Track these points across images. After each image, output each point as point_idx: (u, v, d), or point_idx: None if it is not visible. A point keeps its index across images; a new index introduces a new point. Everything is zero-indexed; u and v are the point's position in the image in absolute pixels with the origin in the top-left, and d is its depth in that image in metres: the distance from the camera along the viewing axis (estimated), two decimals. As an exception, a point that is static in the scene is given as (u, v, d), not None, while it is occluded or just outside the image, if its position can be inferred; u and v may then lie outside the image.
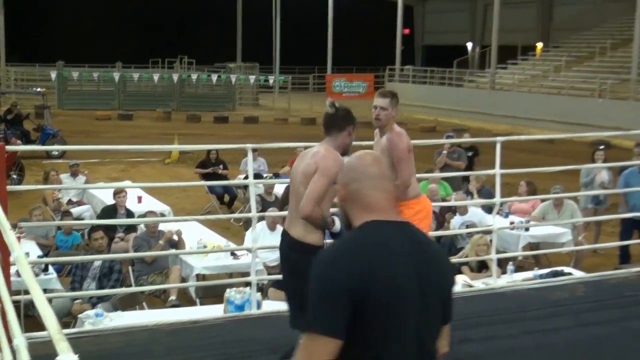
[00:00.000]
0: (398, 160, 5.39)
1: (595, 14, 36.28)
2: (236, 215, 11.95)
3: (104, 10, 44.66)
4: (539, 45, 39.34)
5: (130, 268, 8.79)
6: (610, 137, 19.06)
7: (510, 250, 9.57)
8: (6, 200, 4.90)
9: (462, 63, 40.94)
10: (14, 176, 14.80)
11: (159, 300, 8.37)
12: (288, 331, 4.67)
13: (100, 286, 7.92)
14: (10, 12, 38.78)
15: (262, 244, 8.44)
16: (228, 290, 6.39)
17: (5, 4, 36.29)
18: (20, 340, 2.08)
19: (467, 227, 9.51)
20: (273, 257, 9.22)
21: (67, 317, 7.42)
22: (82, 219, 11.26)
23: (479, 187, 11.46)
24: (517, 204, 11.12)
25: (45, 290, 7.40)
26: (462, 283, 7.60)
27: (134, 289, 7.93)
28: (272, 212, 9.37)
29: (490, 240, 7.62)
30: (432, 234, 7.53)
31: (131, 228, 10.27)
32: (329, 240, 4.83)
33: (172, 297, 8.06)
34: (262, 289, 7.24)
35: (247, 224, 10.08)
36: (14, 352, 2.17)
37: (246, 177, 7.52)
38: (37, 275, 7.50)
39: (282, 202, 11.15)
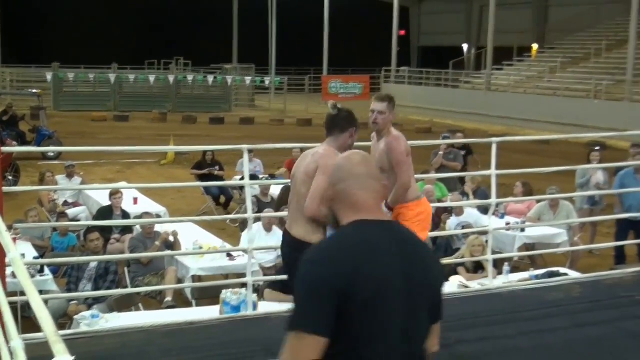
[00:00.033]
0: (397, 164, 5.42)
1: (591, 16, 36.36)
2: (232, 216, 11.94)
3: (100, 12, 44.59)
4: (535, 46, 39.38)
5: (126, 269, 8.78)
6: (606, 138, 19.13)
7: (506, 251, 9.59)
8: (2, 202, 4.90)
9: (458, 64, 41.00)
10: (10, 177, 14.77)
11: (154, 301, 8.37)
12: (285, 332, 4.66)
13: (96, 287, 7.91)
14: (6, 13, 38.76)
15: (258, 245, 8.45)
16: (224, 291, 6.38)
17: (1, 5, 36.23)
18: (18, 342, 2.07)
19: (463, 227, 9.53)
20: (269, 258, 9.23)
21: (62, 319, 7.41)
22: (78, 220, 11.25)
23: (474, 188, 11.48)
24: (513, 204, 11.13)
25: (41, 292, 7.37)
26: (458, 284, 7.61)
27: (129, 290, 7.92)
28: (268, 213, 9.38)
29: (486, 241, 7.63)
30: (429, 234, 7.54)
31: (127, 229, 10.28)
32: None
33: (168, 298, 8.05)
34: (258, 290, 7.24)
35: (243, 225, 10.08)
36: (11, 353, 2.16)
37: (242, 178, 7.52)
38: (32, 276, 7.48)
39: (278, 203, 11.15)
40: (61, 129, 22.10)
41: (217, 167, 14.16)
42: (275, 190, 12.09)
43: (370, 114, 5.55)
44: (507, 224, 10.14)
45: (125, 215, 10.53)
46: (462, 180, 12.09)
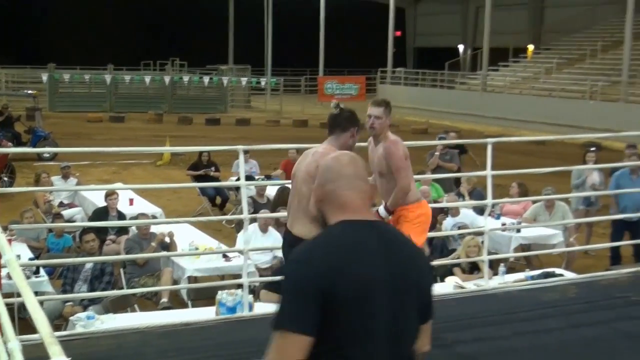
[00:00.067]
0: (397, 168, 5.45)
1: (586, 17, 36.43)
2: (228, 217, 11.94)
3: (96, 13, 44.52)
4: (530, 47, 39.45)
5: (121, 270, 8.78)
6: (601, 138, 19.14)
7: (502, 252, 9.60)
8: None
9: (454, 65, 41.04)
10: (5, 178, 14.76)
11: (150, 302, 8.36)
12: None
13: (91, 288, 7.90)
14: (2, 14, 38.69)
15: (254, 245, 8.44)
16: (220, 292, 6.39)
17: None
18: (15, 343, 2.07)
19: (459, 228, 9.53)
20: (265, 259, 9.23)
21: (58, 320, 7.41)
22: (74, 221, 11.23)
23: (470, 189, 11.48)
24: (508, 205, 11.14)
25: (36, 293, 7.37)
26: (453, 284, 7.62)
27: (125, 291, 7.91)
28: (264, 214, 9.38)
29: (482, 242, 7.64)
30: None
31: (123, 230, 10.27)
32: None
33: (164, 300, 8.04)
34: (254, 291, 7.24)
35: (239, 225, 10.07)
36: (8, 355, 2.16)
37: (238, 179, 7.52)
38: (28, 277, 7.47)
39: (274, 204, 11.15)
40: (57, 129, 22.07)
41: (213, 168, 14.15)
42: (271, 191, 12.09)
43: (367, 119, 5.57)
44: (503, 224, 10.15)
45: (121, 216, 10.52)
46: (457, 181, 12.10)
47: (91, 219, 10.65)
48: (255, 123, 29.93)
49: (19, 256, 7.99)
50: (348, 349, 2.35)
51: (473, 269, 8.30)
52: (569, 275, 7.94)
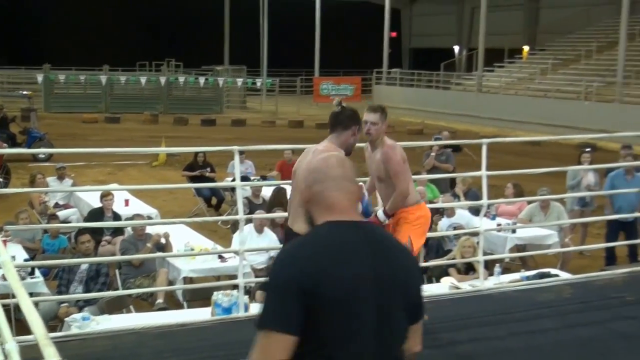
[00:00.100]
0: (395, 173, 5.46)
1: (581, 18, 36.49)
2: (223, 217, 11.93)
3: (91, 14, 44.45)
4: (526, 48, 39.49)
5: (117, 271, 8.77)
6: (596, 139, 19.18)
7: (497, 252, 9.61)
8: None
9: (449, 66, 41.06)
10: (0, 179, 14.73)
11: (146, 303, 8.35)
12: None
13: (87, 289, 7.89)
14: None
15: (250, 246, 8.44)
16: (215, 293, 6.38)
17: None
18: (12, 345, 2.07)
19: (455, 229, 9.54)
20: (260, 259, 9.22)
21: (53, 321, 7.39)
22: (69, 222, 11.21)
23: (465, 190, 11.49)
24: (504, 206, 11.15)
25: (31, 294, 7.34)
26: (449, 285, 7.62)
27: (121, 292, 7.91)
28: (260, 215, 9.38)
29: (477, 242, 7.65)
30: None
31: (118, 231, 10.26)
32: None
33: (160, 300, 8.04)
34: (249, 292, 7.23)
35: (235, 226, 10.07)
36: (6, 356, 2.16)
37: (234, 180, 7.52)
38: (23, 278, 7.46)
39: (270, 205, 11.15)
40: (52, 130, 22.04)
41: (208, 169, 14.14)
42: (267, 192, 12.09)
43: (364, 125, 5.58)
44: (498, 225, 10.17)
45: (117, 217, 10.51)
46: (452, 182, 12.11)
47: (86, 219, 10.64)
48: (251, 124, 29.92)
49: (14, 257, 7.98)
50: (332, 349, 2.36)
51: (469, 269, 8.31)
52: (564, 275, 7.95)
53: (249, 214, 9.47)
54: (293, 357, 2.33)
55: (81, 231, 8.48)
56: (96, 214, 10.49)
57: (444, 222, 10.16)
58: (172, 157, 19.25)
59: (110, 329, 5.95)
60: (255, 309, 6.41)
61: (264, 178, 13.83)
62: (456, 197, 11.32)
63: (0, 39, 39.90)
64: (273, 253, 8.67)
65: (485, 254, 7.71)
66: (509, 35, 39.45)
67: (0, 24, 39.63)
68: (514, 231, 9.99)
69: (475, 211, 9.62)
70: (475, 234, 7.87)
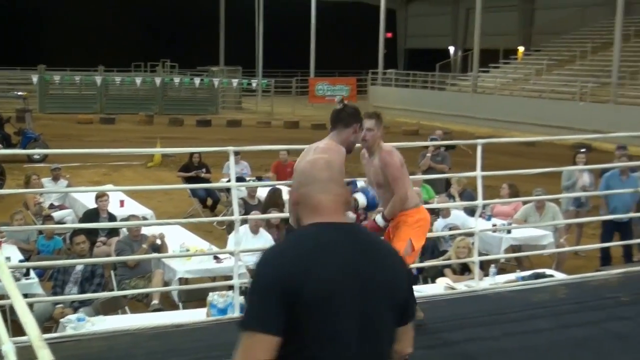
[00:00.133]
0: (394, 179, 5.46)
1: (576, 18, 36.57)
2: (219, 218, 11.92)
3: (86, 14, 44.37)
4: (521, 48, 39.58)
5: (112, 272, 8.75)
6: (591, 139, 19.21)
7: (493, 253, 9.62)
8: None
9: (445, 66, 41.11)
10: (-5, 180, 14.70)
11: (141, 304, 8.34)
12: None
13: (82, 290, 7.88)
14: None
15: (245, 247, 8.42)
16: (211, 293, 6.38)
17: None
18: (9, 346, 2.07)
19: (450, 229, 9.55)
20: (256, 260, 9.21)
21: (48, 322, 7.38)
22: (64, 223, 11.19)
23: (460, 190, 11.51)
24: (499, 206, 11.17)
25: (26, 295, 7.34)
26: (444, 285, 7.63)
27: (116, 293, 7.89)
28: (255, 215, 9.37)
29: (473, 243, 7.65)
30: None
31: (113, 232, 10.24)
32: None
33: (155, 301, 8.03)
34: (245, 293, 7.22)
35: (230, 227, 10.05)
36: (2, 357, 2.16)
37: (229, 181, 7.51)
38: (18, 279, 7.45)
39: (265, 206, 11.15)
40: (47, 131, 22.00)
41: (203, 170, 14.13)
42: (262, 193, 12.08)
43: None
44: (494, 225, 10.17)
45: (112, 217, 10.49)
46: (448, 183, 12.12)
47: (82, 220, 10.62)
48: (246, 124, 29.92)
49: (9, 258, 7.97)
50: (315, 350, 2.37)
51: (464, 270, 8.32)
52: (560, 276, 7.96)
53: (244, 214, 9.47)
54: (277, 358, 2.34)
55: (76, 232, 8.46)
56: (91, 215, 10.47)
57: (439, 223, 10.17)
58: (168, 157, 19.23)
59: (106, 330, 5.95)
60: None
61: (259, 179, 13.83)
62: (451, 197, 11.33)
63: (-5, 40, 39.83)
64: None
65: (480, 254, 7.72)
66: (504, 36, 39.53)
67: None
68: (509, 232, 10.00)
69: (471, 212, 9.63)
70: (471, 234, 7.88)
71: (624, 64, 28.22)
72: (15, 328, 4.99)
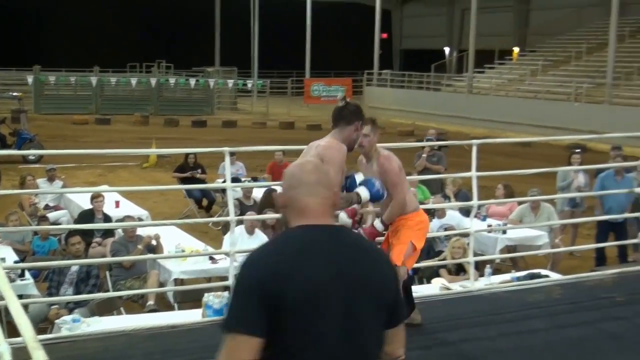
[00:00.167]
0: (392, 184, 5.46)
1: (571, 19, 36.61)
2: (214, 219, 11.92)
3: (81, 15, 44.28)
4: (516, 49, 39.61)
5: (107, 273, 8.74)
6: (586, 140, 19.25)
7: (488, 253, 9.63)
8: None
9: (440, 67, 41.11)
10: (-10, 181, 14.66)
11: (137, 305, 8.34)
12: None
13: (77, 291, 7.87)
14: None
15: (241, 248, 8.40)
16: (206, 294, 6.37)
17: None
18: (4, 347, 2.07)
19: (445, 230, 9.55)
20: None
21: (43, 323, 7.37)
22: (59, 223, 11.18)
23: (455, 191, 11.51)
24: (494, 206, 11.18)
25: (21, 296, 7.34)
26: (440, 286, 7.64)
27: (111, 294, 7.89)
28: (251, 216, 9.37)
29: (468, 243, 7.66)
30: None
31: (109, 233, 10.23)
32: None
33: (150, 302, 8.02)
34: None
35: (226, 228, 10.06)
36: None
37: (224, 181, 7.51)
38: (13, 280, 7.44)
39: (261, 206, 11.15)
40: (42, 132, 21.97)
41: (199, 170, 14.13)
42: (257, 193, 12.08)
43: None
44: (489, 226, 10.19)
45: (107, 218, 10.48)
46: (443, 184, 12.12)
47: (77, 221, 10.61)
48: (242, 125, 29.90)
49: (3, 259, 7.98)
50: (298, 352, 2.38)
51: (459, 270, 8.32)
52: (555, 276, 7.98)
53: (240, 215, 9.46)
54: (261, 359, 2.34)
55: (71, 233, 8.45)
56: (86, 216, 10.46)
57: (434, 223, 10.16)
58: (163, 158, 19.22)
59: (101, 330, 5.94)
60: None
61: (255, 179, 13.83)
62: (447, 198, 11.34)
63: (-10, 40, 39.73)
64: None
65: (475, 254, 7.72)
66: (499, 37, 39.55)
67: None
68: (504, 232, 10.01)
69: (466, 212, 9.64)
70: (466, 234, 7.88)
71: (619, 65, 28.27)
72: (11, 329, 4.98)
